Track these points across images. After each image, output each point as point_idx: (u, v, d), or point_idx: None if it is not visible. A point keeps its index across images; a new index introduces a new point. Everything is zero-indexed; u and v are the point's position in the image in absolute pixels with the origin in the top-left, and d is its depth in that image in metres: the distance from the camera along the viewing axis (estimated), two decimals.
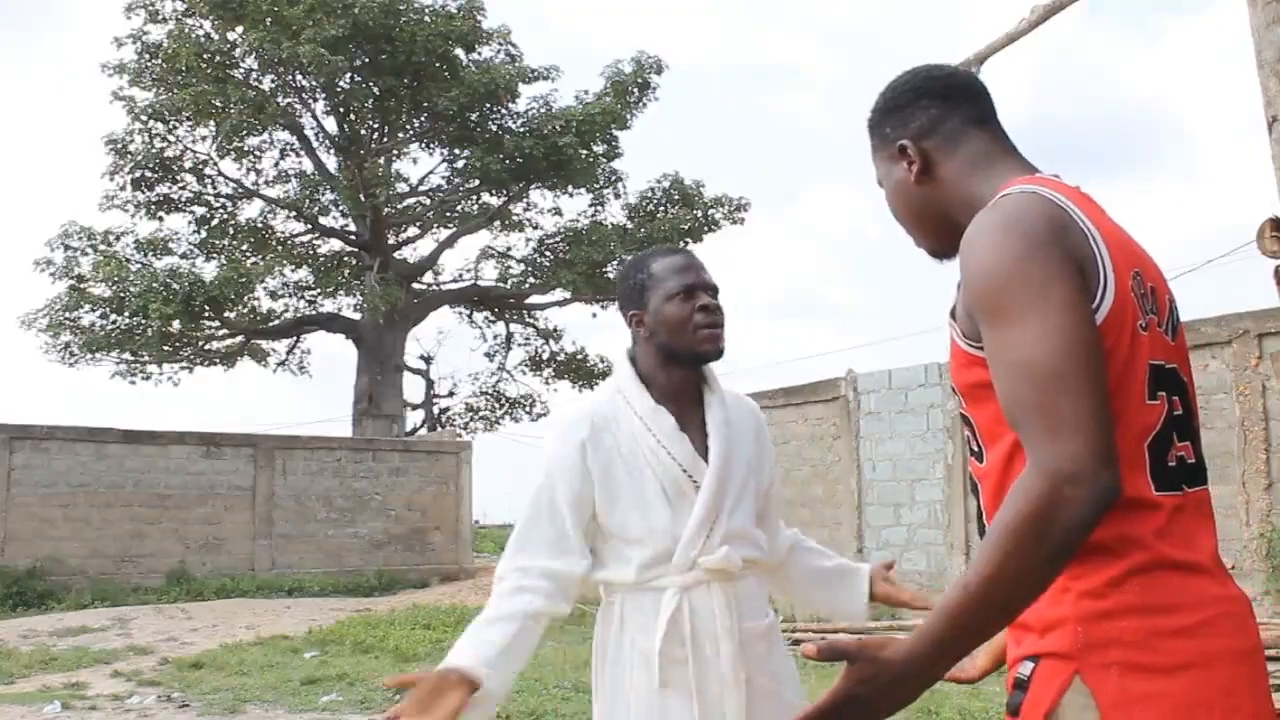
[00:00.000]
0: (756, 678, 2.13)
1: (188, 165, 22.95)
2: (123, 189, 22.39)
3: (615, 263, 24.31)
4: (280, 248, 24.34)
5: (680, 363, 2.23)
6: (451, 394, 27.93)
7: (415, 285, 24.90)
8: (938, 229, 1.60)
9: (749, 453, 2.27)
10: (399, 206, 24.46)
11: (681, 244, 24.01)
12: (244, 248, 23.77)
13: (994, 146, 1.58)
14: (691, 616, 2.10)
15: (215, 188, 23.63)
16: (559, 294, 24.76)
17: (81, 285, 21.31)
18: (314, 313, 24.89)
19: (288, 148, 24.35)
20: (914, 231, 1.64)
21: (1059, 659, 1.32)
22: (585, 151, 23.05)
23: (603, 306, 24.46)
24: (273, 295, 24.44)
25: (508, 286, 25.48)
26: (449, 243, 25.18)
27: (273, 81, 22.62)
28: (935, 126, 1.59)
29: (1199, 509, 1.40)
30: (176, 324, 20.82)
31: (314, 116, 23.55)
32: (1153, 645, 1.29)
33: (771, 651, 2.20)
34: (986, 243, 1.37)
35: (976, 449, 1.48)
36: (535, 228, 25.72)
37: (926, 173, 1.58)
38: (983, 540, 1.29)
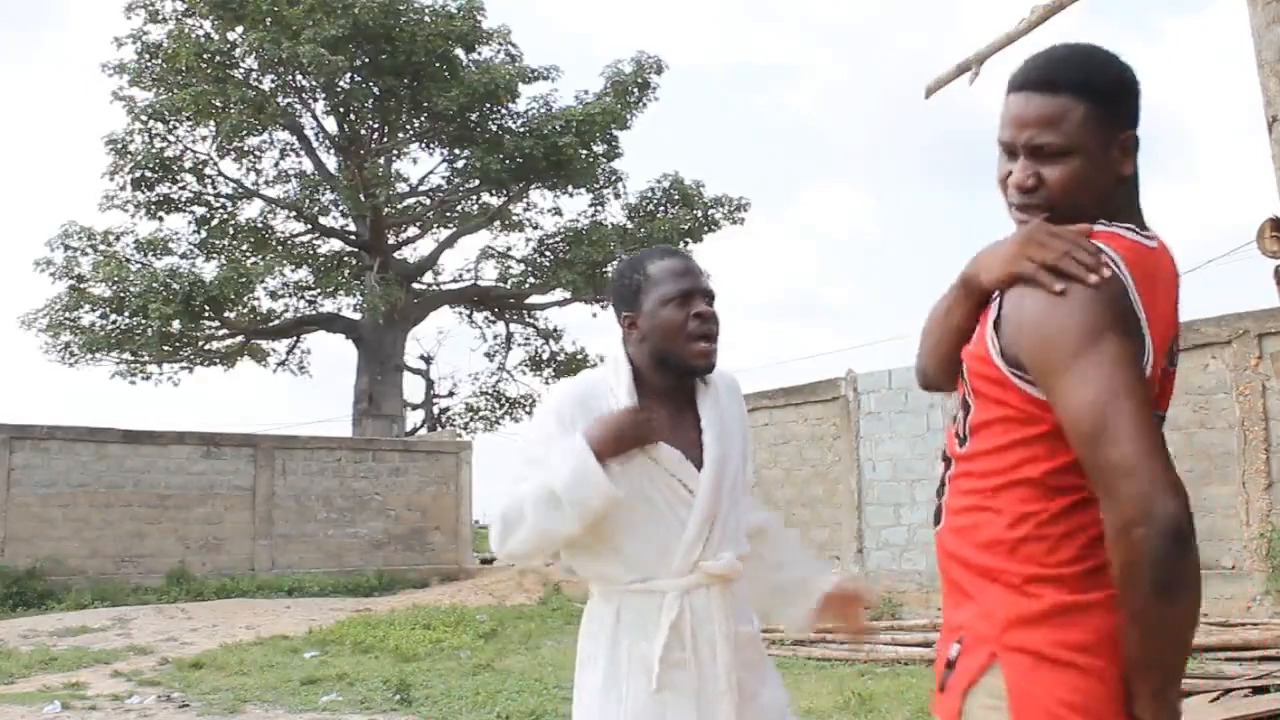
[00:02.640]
0: (745, 680, 2.12)
1: (188, 165, 22.95)
2: (123, 189, 22.40)
3: (615, 263, 24.29)
4: (280, 248, 24.35)
5: (672, 369, 2.19)
6: (451, 394, 27.97)
7: (415, 285, 24.90)
8: (1085, 219, 1.54)
9: (739, 441, 2.24)
10: (399, 206, 24.46)
11: (681, 244, 24.00)
12: (244, 248, 23.78)
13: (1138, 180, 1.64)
14: (692, 621, 2.08)
15: (215, 188, 23.64)
16: (559, 294, 24.77)
17: (81, 285, 21.31)
18: (314, 313, 24.89)
19: (288, 148, 24.39)
20: (1072, 215, 1.52)
21: None
22: (585, 151, 23.04)
23: (603, 306, 24.46)
24: (273, 295, 24.48)
25: (508, 286, 25.48)
26: (449, 243, 25.19)
27: (273, 81, 22.61)
28: (1137, 132, 1.57)
29: None
30: (176, 324, 20.82)
31: (314, 116, 23.56)
32: None
33: (759, 656, 2.19)
34: (1074, 299, 1.42)
35: (962, 434, 1.56)
36: (535, 228, 25.77)
37: (1128, 174, 1.55)
38: (1123, 605, 1.38)
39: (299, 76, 22.13)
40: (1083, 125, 1.50)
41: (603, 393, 2.18)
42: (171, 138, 22.65)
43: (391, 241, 24.56)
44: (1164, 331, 1.50)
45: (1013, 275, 1.48)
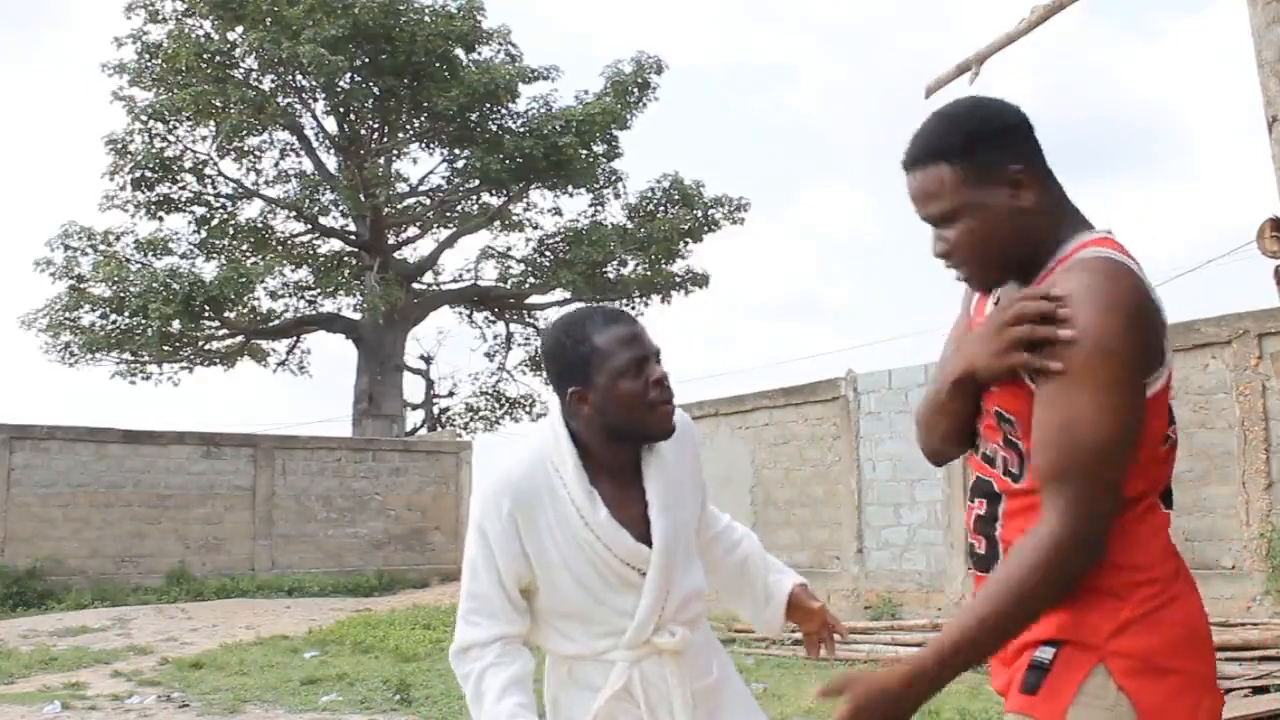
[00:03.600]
0: None
1: (188, 165, 22.94)
2: (123, 189, 22.40)
3: (615, 262, 24.31)
4: (280, 248, 24.34)
5: (628, 440, 2.10)
6: (451, 394, 27.95)
7: (415, 285, 24.89)
8: (1018, 262, 1.60)
9: (689, 500, 2.18)
10: (399, 206, 24.46)
11: (681, 244, 24.04)
12: (244, 248, 23.77)
13: (1063, 191, 1.64)
14: (644, 685, 2.06)
15: (215, 188, 23.63)
16: (559, 294, 24.75)
17: (81, 285, 21.31)
18: (314, 313, 24.88)
19: (288, 148, 24.38)
20: (994, 263, 1.61)
21: None
22: (585, 151, 23.04)
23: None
24: (273, 295, 24.46)
25: (508, 286, 25.47)
26: (449, 243, 25.18)
27: (273, 81, 22.61)
28: (1033, 159, 1.60)
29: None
30: (176, 324, 20.82)
31: (314, 116, 23.56)
32: None
33: (720, 701, 2.17)
34: (1095, 308, 1.47)
35: (1016, 472, 1.60)
36: (535, 228, 25.76)
37: (1032, 202, 1.58)
38: (1004, 574, 1.49)
39: (299, 76, 22.13)
40: (957, 186, 1.56)
41: (544, 476, 2.08)
42: (171, 138, 22.64)
43: (391, 241, 24.56)
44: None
45: (1009, 369, 1.54)
